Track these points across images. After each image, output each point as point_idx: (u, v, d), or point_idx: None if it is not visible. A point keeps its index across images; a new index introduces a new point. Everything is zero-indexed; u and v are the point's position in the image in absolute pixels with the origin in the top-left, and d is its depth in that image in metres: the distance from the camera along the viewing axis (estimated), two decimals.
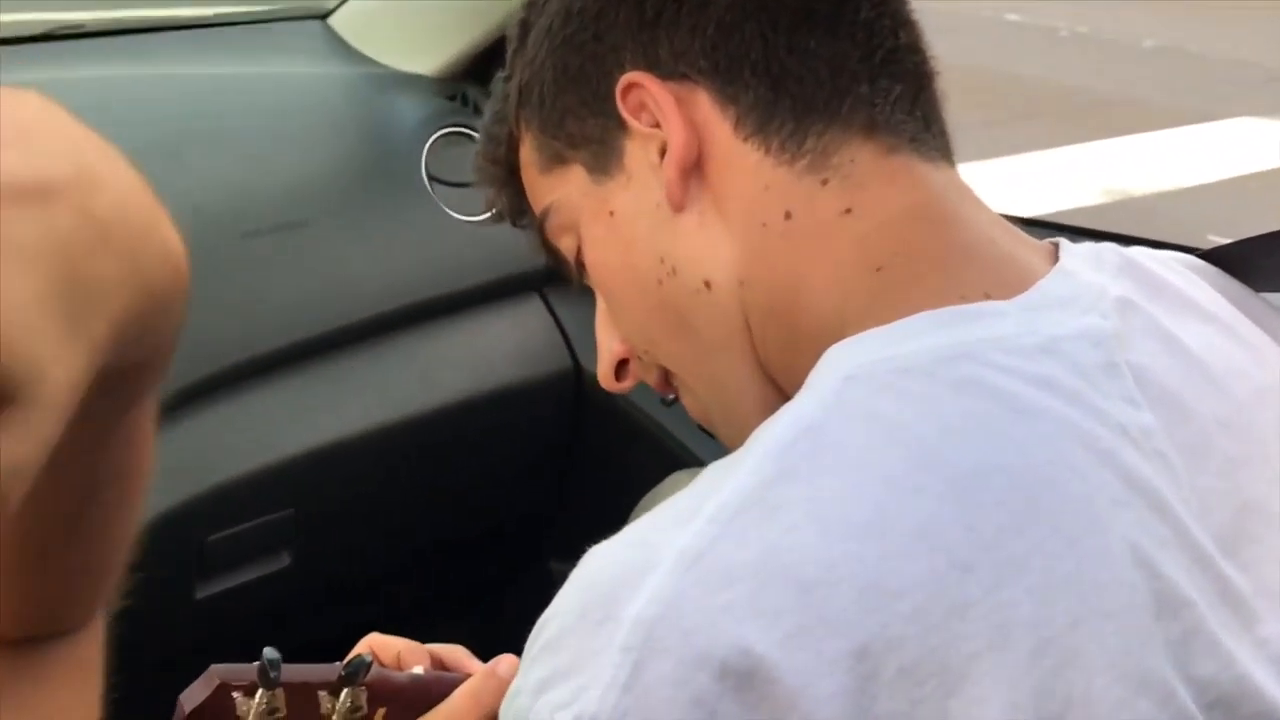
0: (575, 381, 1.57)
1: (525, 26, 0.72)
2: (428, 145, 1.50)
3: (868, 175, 0.64)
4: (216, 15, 1.62)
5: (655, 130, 0.67)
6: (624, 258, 0.70)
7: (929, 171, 0.66)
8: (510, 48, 0.74)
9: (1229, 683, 0.56)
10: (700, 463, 1.44)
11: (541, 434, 1.58)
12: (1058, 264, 0.64)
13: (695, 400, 0.73)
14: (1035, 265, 0.64)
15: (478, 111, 1.55)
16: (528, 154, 0.74)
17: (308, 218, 1.39)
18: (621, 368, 0.75)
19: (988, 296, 0.60)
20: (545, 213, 0.73)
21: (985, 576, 0.52)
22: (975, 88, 4.45)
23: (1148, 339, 0.62)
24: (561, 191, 0.72)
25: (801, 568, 0.51)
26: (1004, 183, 4.00)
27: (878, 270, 0.63)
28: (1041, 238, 0.69)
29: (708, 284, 0.67)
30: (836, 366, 0.58)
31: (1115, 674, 0.53)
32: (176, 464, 1.26)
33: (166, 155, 1.33)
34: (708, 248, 0.67)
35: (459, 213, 1.49)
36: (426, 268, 1.47)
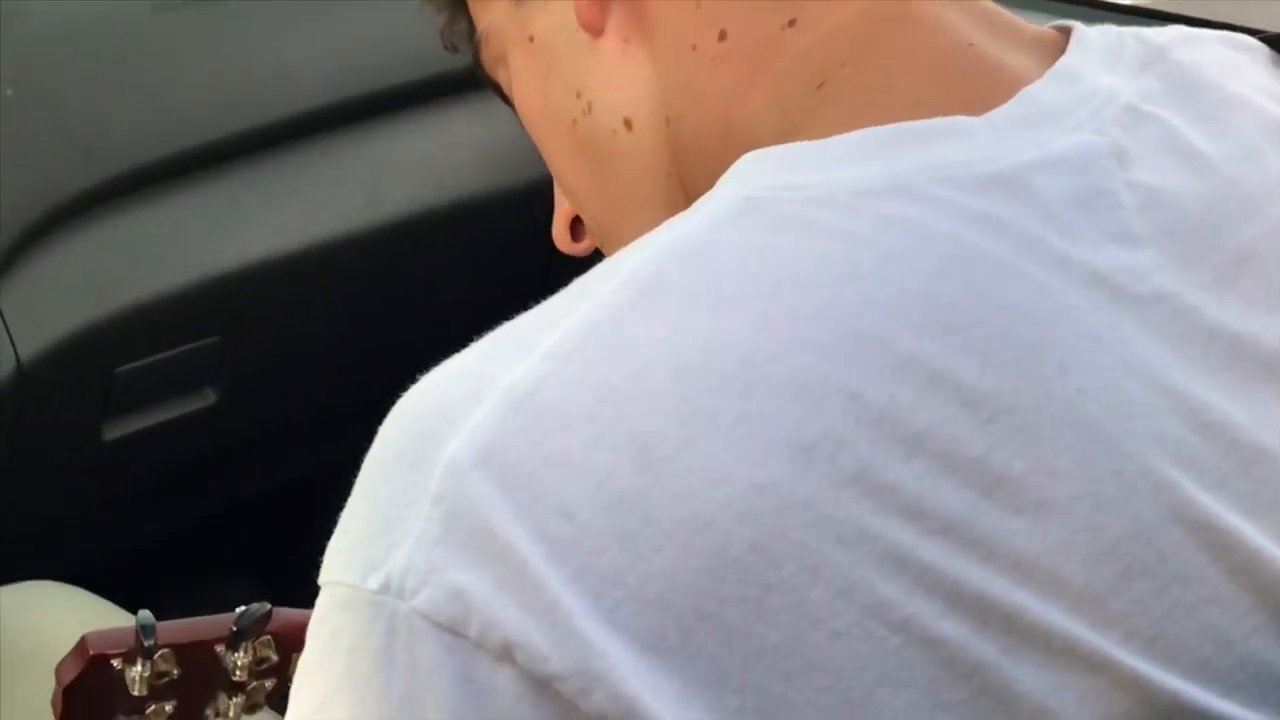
0: (552, 193, 1.46)
1: None
2: None
3: None
4: None
5: None
6: (540, 91, 0.68)
7: None
8: None
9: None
10: None
11: (512, 256, 1.54)
12: (1056, 64, 0.59)
13: None
14: (1025, 69, 0.59)
15: None
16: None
17: None
18: (577, 224, 0.73)
19: (958, 112, 0.56)
20: (479, 41, 0.71)
21: (863, 453, 0.49)
22: None
23: (1161, 155, 0.58)
24: (490, 16, 0.69)
25: (645, 424, 0.49)
26: None
27: (820, 87, 0.59)
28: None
29: (627, 123, 0.64)
30: (740, 182, 0.55)
31: (1022, 574, 0.50)
32: (79, 280, 1.24)
33: None
34: (629, 80, 0.64)
35: None
36: (374, 53, 1.43)
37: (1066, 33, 0.62)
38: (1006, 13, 0.62)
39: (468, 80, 1.38)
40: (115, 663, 0.77)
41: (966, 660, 0.48)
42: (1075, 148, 0.56)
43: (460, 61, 1.43)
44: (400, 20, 1.30)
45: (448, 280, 1.53)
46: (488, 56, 0.71)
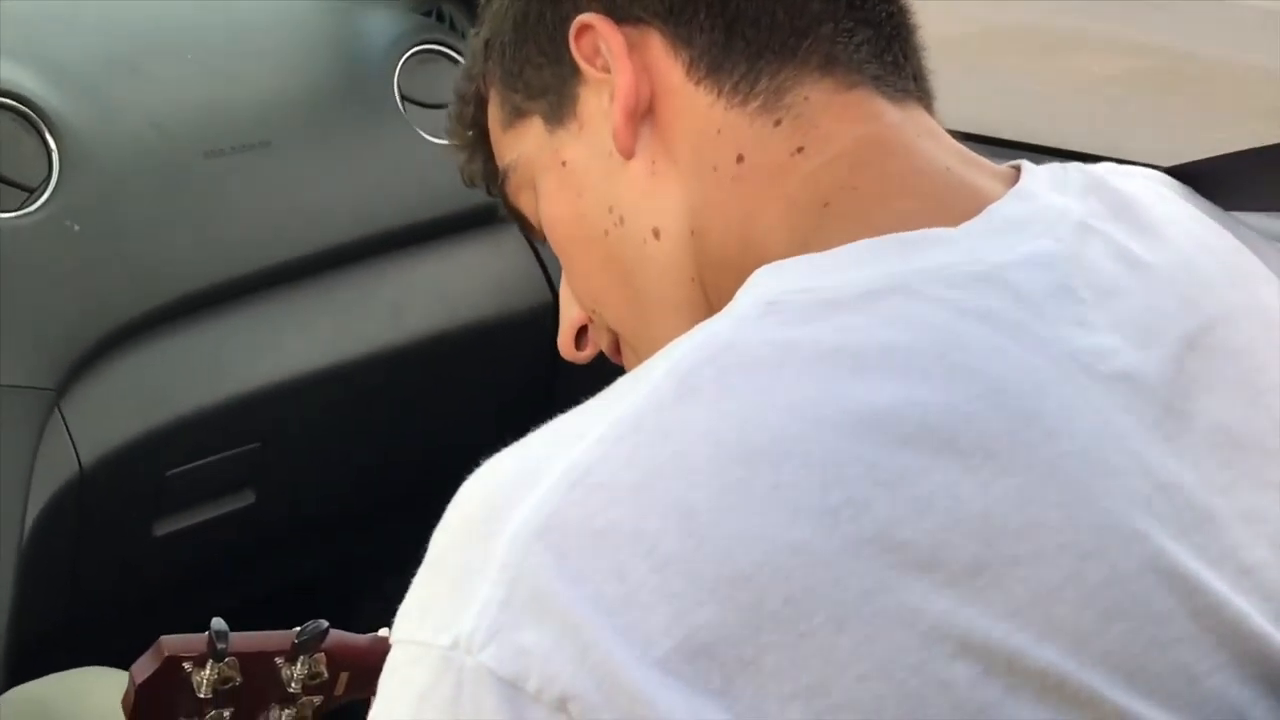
0: (555, 316, 1.52)
1: None
2: (400, 64, 1.52)
3: (820, 111, 0.65)
4: None
5: (608, 75, 0.67)
6: (574, 208, 0.70)
7: (886, 107, 0.66)
8: (481, 1, 0.76)
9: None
10: None
11: (518, 371, 1.58)
12: (1015, 187, 0.64)
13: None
14: (991, 190, 0.64)
15: (454, 29, 1.59)
16: (494, 111, 0.75)
17: (274, 138, 1.41)
18: (581, 335, 0.76)
19: (935, 224, 0.60)
20: (506, 171, 0.74)
21: (881, 514, 0.51)
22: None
23: (1109, 261, 0.62)
24: (521, 147, 0.73)
25: (689, 495, 0.51)
26: None
27: (825, 205, 0.63)
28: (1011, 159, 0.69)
29: (656, 233, 0.67)
30: (760, 290, 0.58)
31: (1023, 620, 0.52)
32: (136, 395, 1.27)
33: (128, 69, 1.35)
34: (657, 195, 0.67)
35: (434, 135, 1.49)
36: (398, 193, 1.48)
37: (1018, 168, 0.66)
38: (969, 150, 0.67)
39: (477, 217, 1.48)
40: (186, 665, 0.78)
41: (974, 700, 0.50)
42: (1040, 251, 0.59)
43: (471, 199, 1.50)
44: (418, 165, 1.47)
45: (461, 392, 1.55)
46: (512, 186, 0.74)
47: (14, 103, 1.26)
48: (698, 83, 0.66)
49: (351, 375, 1.42)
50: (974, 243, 0.59)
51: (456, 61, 1.57)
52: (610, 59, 0.66)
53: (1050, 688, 0.51)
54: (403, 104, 1.50)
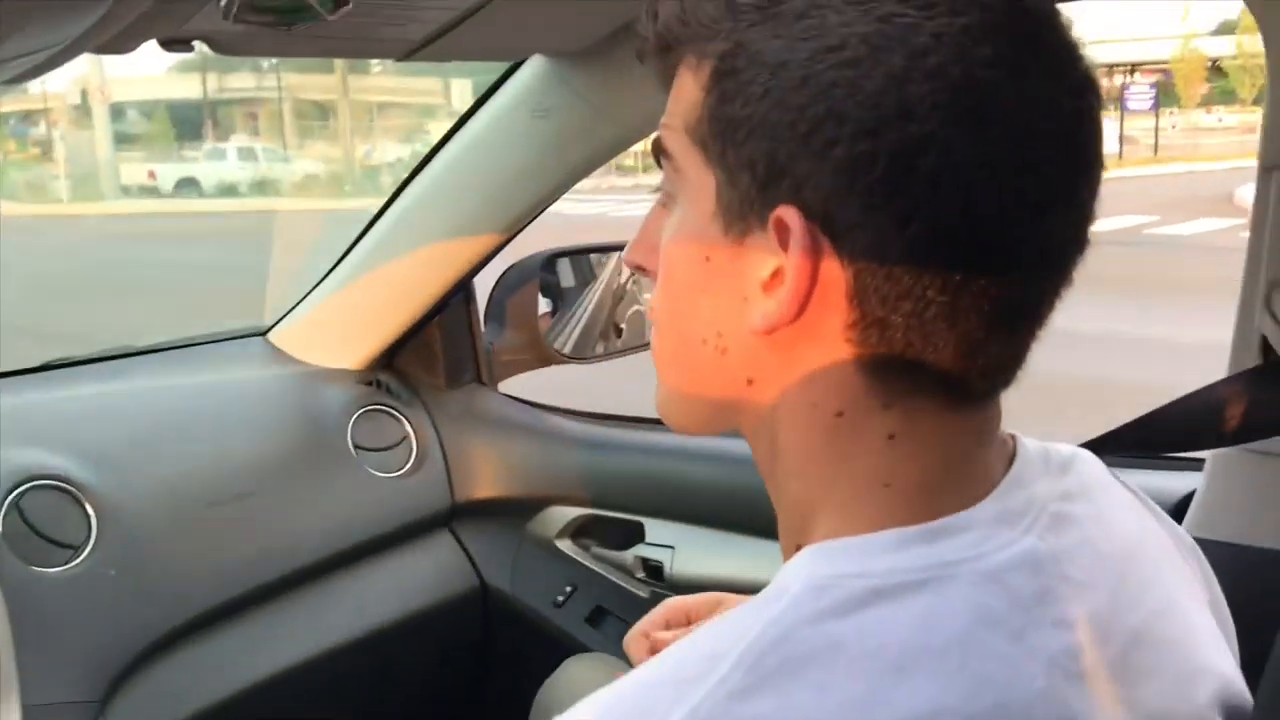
0: (482, 597, 1.78)
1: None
2: (351, 421, 1.73)
3: (924, 420, 0.61)
4: (177, 341, 1.84)
5: (785, 256, 0.59)
6: (689, 295, 0.64)
7: (972, 417, 0.62)
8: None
9: None
10: (587, 649, 1.69)
11: (458, 641, 1.75)
12: (1011, 473, 0.63)
13: (661, 389, 0.70)
14: (996, 470, 0.63)
15: (391, 392, 1.84)
16: (689, 90, 0.62)
17: (258, 489, 1.57)
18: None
19: (954, 507, 0.60)
20: (663, 146, 0.65)
21: None
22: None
23: (1081, 554, 0.62)
24: (689, 171, 0.63)
25: None
26: None
27: (885, 486, 0.61)
28: None
29: (750, 382, 0.63)
30: (808, 573, 0.58)
31: None
32: (163, 697, 1.39)
33: (146, 448, 1.53)
34: (765, 368, 0.62)
35: (380, 471, 1.71)
36: (355, 518, 1.65)
37: (1013, 436, 0.66)
38: (993, 421, 0.64)
39: (419, 529, 1.71)
40: None
41: None
42: (1028, 552, 0.59)
43: (413, 517, 1.72)
44: (369, 495, 1.66)
45: (413, 665, 1.67)
46: (665, 163, 0.65)
47: (60, 483, 1.40)
48: (848, 339, 0.59)
49: (329, 662, 1.55)
50: (983, 533, 0.59)
51: (394, 416, 1.79)
52: (790, 264, 0.58)
53: None
54: (355, 451, 1.70)
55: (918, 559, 0.57)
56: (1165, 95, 29.55)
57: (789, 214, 0.58)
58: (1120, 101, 27.19)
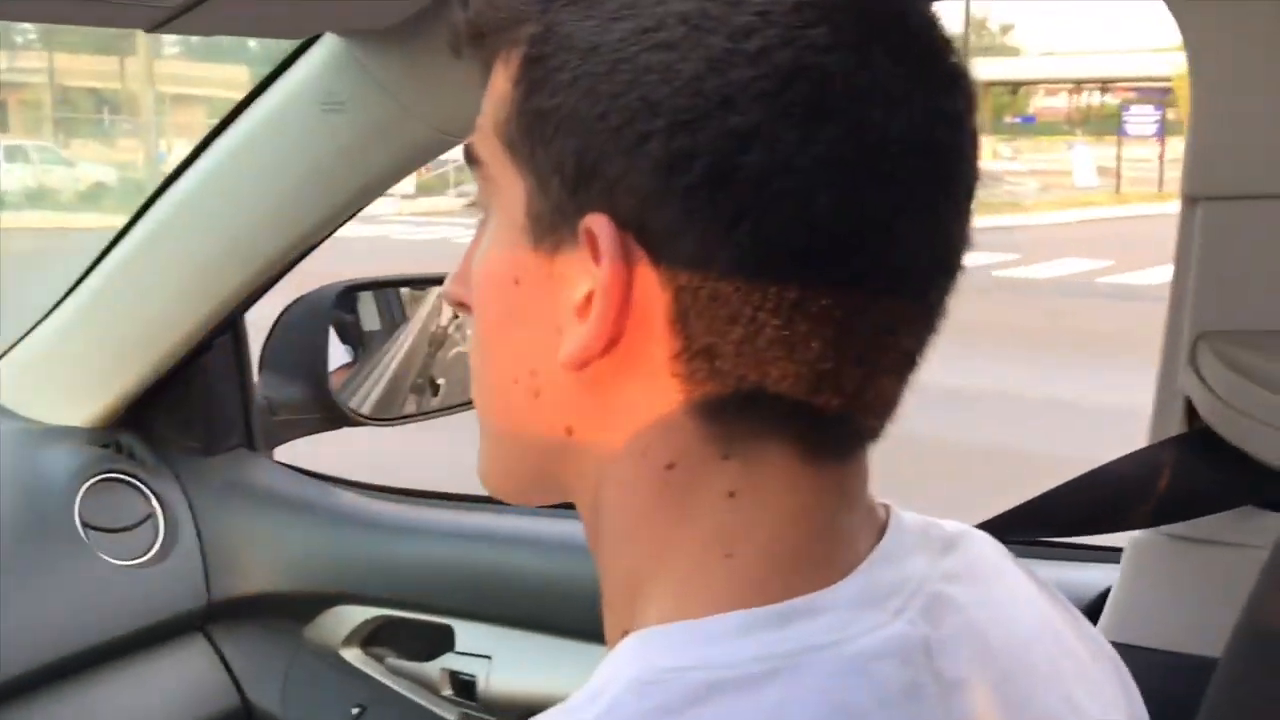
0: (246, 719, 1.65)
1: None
2: (80, 494, 1.57)
3: (770, 473, 0.58)
4: None
5: (596, 270, 0.56)
6: (500, 326, 0.62)
7: (830, 473, 0.60)
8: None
9: None
10: None
11: None
12: (881, 546, 0.61)
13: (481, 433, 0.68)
14: (862, 542, 0.61)
15: (134, 457, 1.69)
16: (499, 84, 0.60)
17: None
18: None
19: (809, 585, 0.58)
20: (473, 151, 0.63)
21: None
22: None
23: (961, 645, 0.60)
24: (500, 179, 0.61)
25: None
26: None
27: (727, 556, 0.58)
28: None
29: (569, 430, 0.60)
30: (635, 666, 0.56)
31: None
32: None
33: None
34: (583, 412, 0.60)
35: (115, 558, 1.55)
36: (84, 615, 1.50)
37: (886, 506, 0.64)
38: (856, 481, 0.62)
39: (167, 631, 1.55)
40: None
41: None
42: (897, 639, 0.57)
43: (161, 615, 1.56)
44: (103, 587, 1.52)
45: None
46: (476, 169, 0.63)
47: None
48: (675, 374, 0.56)
49: None
50: (844, 615, 0.57)
51: (137, 488, 1.65)
52: (602, 276, 0.55)
53: None
54: (84, 530, 1.54)
55: (765, 646, 0.55)
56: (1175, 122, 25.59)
57: (598, 222, 0.55)
58: (1119, 126, 26.11)
